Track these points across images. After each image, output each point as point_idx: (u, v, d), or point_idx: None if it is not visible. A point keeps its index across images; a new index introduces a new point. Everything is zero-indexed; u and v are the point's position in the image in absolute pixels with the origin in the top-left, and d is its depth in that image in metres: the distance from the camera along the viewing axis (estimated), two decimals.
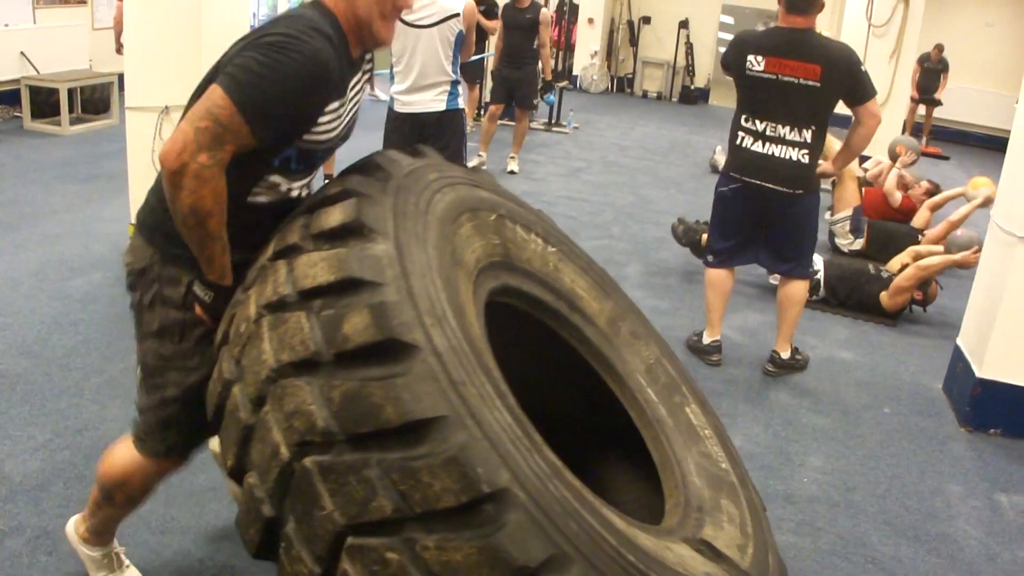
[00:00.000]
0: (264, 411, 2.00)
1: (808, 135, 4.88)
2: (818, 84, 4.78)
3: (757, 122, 4.96)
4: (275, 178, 2.43)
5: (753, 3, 16.43)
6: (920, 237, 7.59)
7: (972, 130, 16.16)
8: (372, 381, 1.87)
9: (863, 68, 4.90)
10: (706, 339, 5.41)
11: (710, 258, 5.34)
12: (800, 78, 4.79)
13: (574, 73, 16.41)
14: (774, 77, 4.84)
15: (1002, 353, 4.94)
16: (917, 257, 6.77)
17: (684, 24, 17.12)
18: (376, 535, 1.82)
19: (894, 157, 8.77)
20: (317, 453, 1.89)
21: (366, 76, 2.63)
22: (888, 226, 7.85)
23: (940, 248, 7.02)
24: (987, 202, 7.32)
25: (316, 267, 2.05)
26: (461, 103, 5.73)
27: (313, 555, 1.90)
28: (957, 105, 15.99)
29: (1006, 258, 4.90)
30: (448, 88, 5.60)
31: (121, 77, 6.90)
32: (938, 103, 14.95)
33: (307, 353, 1.95)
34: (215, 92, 2.17)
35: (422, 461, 1.79)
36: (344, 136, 2.54)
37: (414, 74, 5.54)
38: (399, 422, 1.82)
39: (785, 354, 5.36)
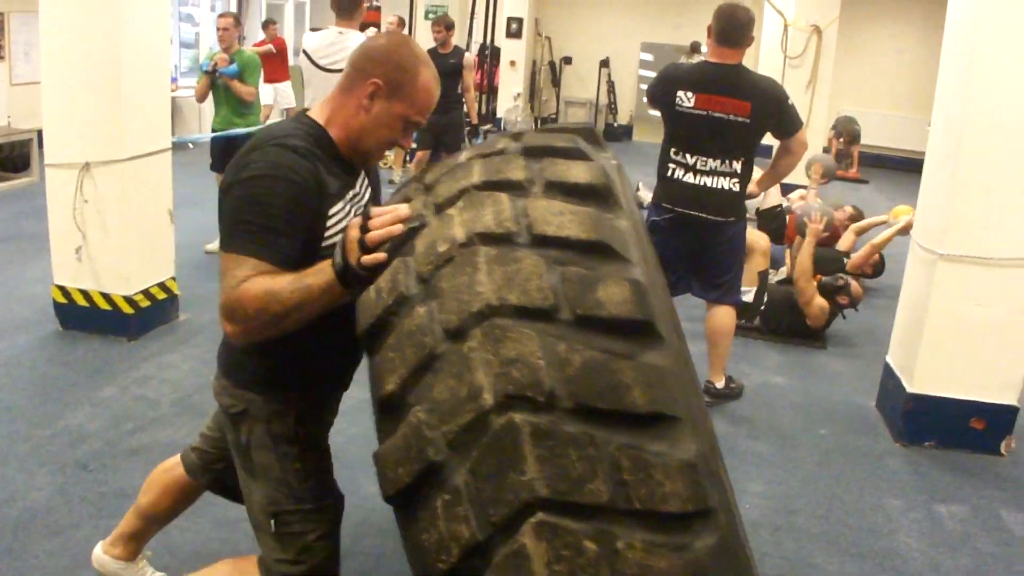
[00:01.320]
0: (467, 346, 1.80)
1: (738, 166, 4.94)
2: (748, 120, 4.84)
3: (687, 156, 4.97)
4: None
5: (672, 39, 16.66)
6: (845, 260, 7.71)
7: (888, 154, 16.48)
8: (621, 358, 1.74)
9: (790, 101, 4.99)
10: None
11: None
12: (731, 114, 4.84)
13: (498, 116, 16.49)
14: (704, 113, 4.88)
15: (930, 367, 5.02)
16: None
17: (605, 63, 17.31)
18: (578, 519, 1.68)
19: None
20: (532, 412, 1.71)
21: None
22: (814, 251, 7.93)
23: (798, 242, 7.11)
24: (907, 228, 7.46)
25: (563, 217, 1.88)
26: None
27: (486, 519, 1.71)
28: (873, 130, 16.32)
29: (928, 275, 4.99)
30: None
31: (40, 134, 6.81)
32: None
33: (544, 303, 1.78)
34: (227, 259, 2.16)
35: (659, 458, 1.68)
36: None
37: None
38: (645, 410, 1.71)
39: (720, 383, 5.38)
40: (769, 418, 5.32)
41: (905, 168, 15.29)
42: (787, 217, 8.69)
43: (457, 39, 9.95)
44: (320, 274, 2.12)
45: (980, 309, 4.92)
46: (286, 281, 2.12)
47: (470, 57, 9.78)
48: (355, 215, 2.34)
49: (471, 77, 9.78)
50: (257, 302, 2.11)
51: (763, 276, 6.83)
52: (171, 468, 3.04)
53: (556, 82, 17.55)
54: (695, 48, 14.53)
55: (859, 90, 16.94)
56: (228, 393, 2.50)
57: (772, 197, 8.41)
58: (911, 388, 5.06)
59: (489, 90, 15.45)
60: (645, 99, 5.47)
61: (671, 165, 5.04)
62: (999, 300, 4.91)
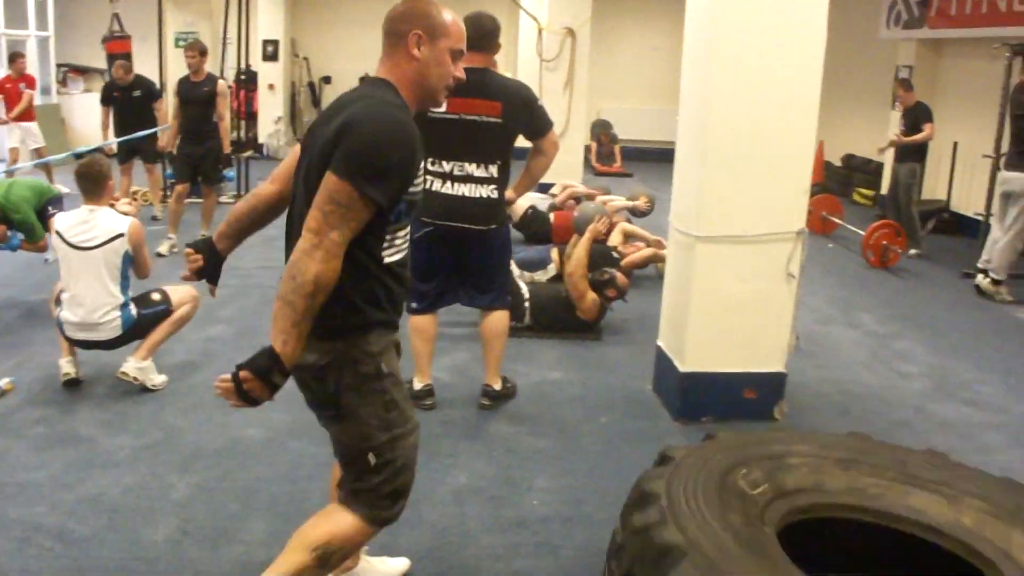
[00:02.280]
0: None
1: (495, 170, 4.96)
2: (500, 120, 4.88)
3: (444, 163, 4.97)
4: (394, 230, 2.81)
5: None
6: (615, 254, 7.87)
7: (649, 146, 16.99)
8: None
9: (539, 103, 5.07)
10: (417, 385, 5.35)
11: (413, 305, 5.28)
12: (483, 115, 4.88)
13: (260, 141, 16.19)
14: (457, 117, 4.89)
15: (699, 346, 5.18)
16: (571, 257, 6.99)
17: (364, 80, 17.19)
18: None
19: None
20: None
21: None
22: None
23: (575, 239, 7.24)
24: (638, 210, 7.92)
25: None
26: (134, 313, 5.48)
27: None
28: (633, 125, 16.82)
29: (688, 257, 5.15)
30: (118, 313, 5.39)
31: None
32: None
33: None
34: (331, 180, 2.57)
35: None
36: None
37: (83, 309, 5.31)
38: None
39: (497, 386, 5.42)
40: (550, 413, 5.38)
41: (667, 158, 15.64)
42: (550, 216, 8.86)
43: (210, 65, 9.67)
44: (283, 337, 2.59)
45: (740, 284, 5.10)
46: (310, 309, 2.59)
47: (223, 84, 9.49)
48: None
49: (225, 104, 9.50)
50: (316, 279, 2.57)
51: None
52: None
53: (317, 103, 17.36)
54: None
55: (617, 87, 17.43)
56: (313, 349, 2.74)
57: (523, 201, 8.56)
58: (683, 368, 5.21)
59: (248, 116, 15.15)
60: None
61: (428, 177, 5.00)
62: (757, 274, 5.10)
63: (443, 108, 4.81)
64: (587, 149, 15.37)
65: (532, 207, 8.97)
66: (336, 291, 2.64)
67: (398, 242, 2.87)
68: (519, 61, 13.00)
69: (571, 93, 12.07)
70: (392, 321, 2.93)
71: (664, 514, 2.77)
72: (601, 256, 7.66)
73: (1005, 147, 9.28)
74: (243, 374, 2.58)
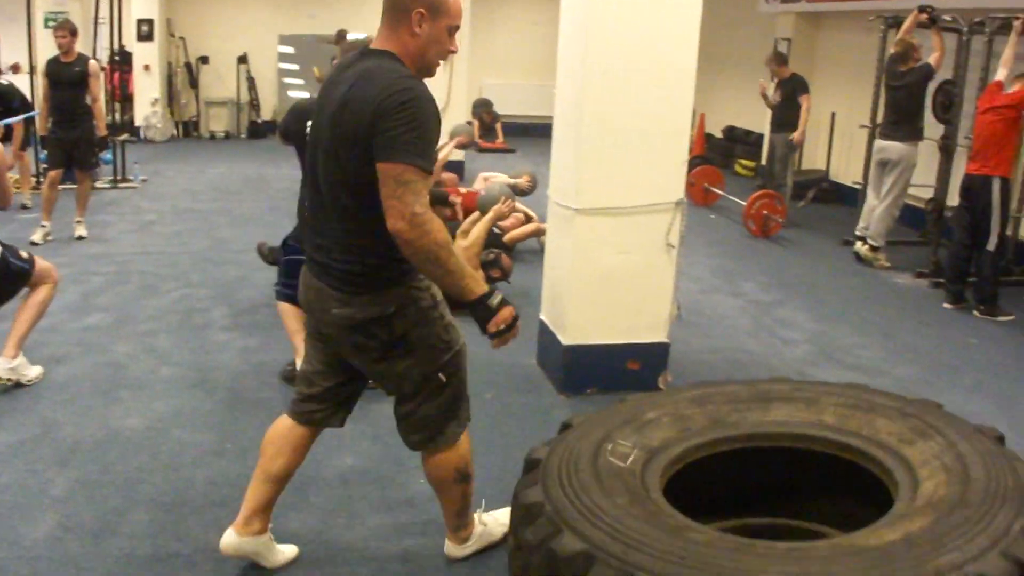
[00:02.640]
0: None
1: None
2: None
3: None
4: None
5: (310, 30, 16.45)
6: (496, 229, 7.85)
7: (531, 121, 16.98)
8: None
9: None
10: (299, 364, 5.24)
11: (278, 288, 5.27)
12: None
13: (136, 124, 15.79)
14: None
15: (581, 318, 5.20)
16: (465, 234, 7.00)
17: (243, 59, 16.89)
18: None
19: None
20: None
21: None
22: (452, 225, 8.04)
23: (476, 216, 7.29)
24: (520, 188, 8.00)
25: None
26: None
27: None
28: (515, 100, 16.84)
29: (567, 231, 5.15)
30: None
31: None
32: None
33: None
34: (390, 167, 2.87)
35: None
36: None
37: None
38: None
39: None
40: None
41: (549, 134, 15.66)
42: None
43: (82, 46, 9.37)
44: (474, 285, 3.03)
45: (620, 256, 5.12)
46: (457, 255, 2.99)
47: (95, 64, 9.18)
48: None
49: (99, 86, 9.18)
50: (436, 241, 2.89)
51: None
52: (292, 427, 3.55)
53: (194, 83, 16.98)
54: (342, 36, 14.41)
55: (498, 62, 17.39)
56: (376, 303, 3.13)
57: None
58: (566, 341, 5.22)
59: (123, 97, 14.76)
60: (278, 136, 5.34)
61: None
62: (636, 246, 5.13)
63: None
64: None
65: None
66: (381, 250, 3.05)
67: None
68: None
69: (451, 68, 12.03)
70: None
71: (557, 525, 2.68)
72: (491, 234, 7.65)
73: (880, 117, 9.50)
74: (489, 327, 3.10)
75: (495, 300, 3.08)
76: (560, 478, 2.91)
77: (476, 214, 7.39)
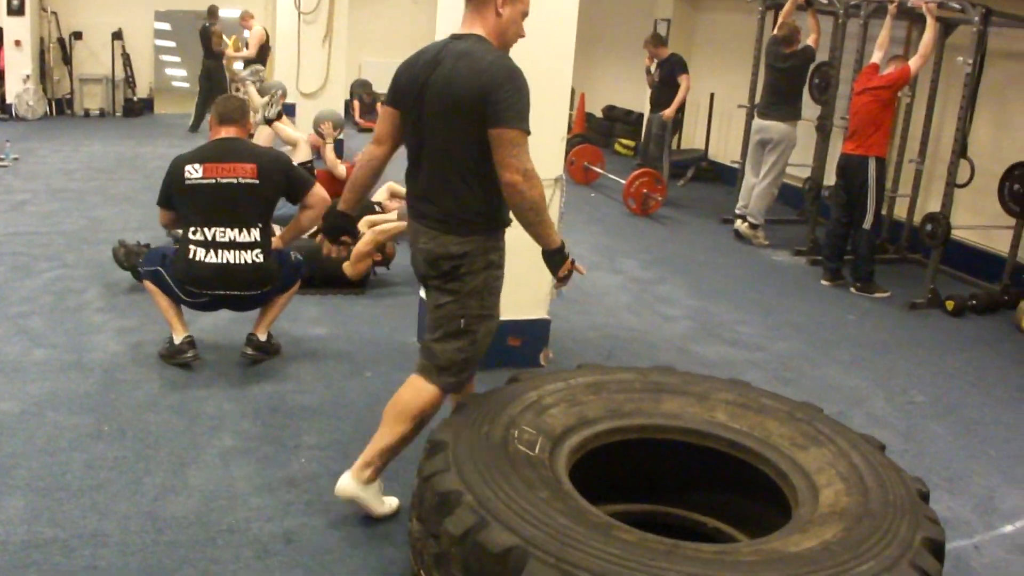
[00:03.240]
0: None
1: (256, 234, 5.03)
2: (256, 181, 5.02)
3: (206, 231, 4.98)
4: None
5: (188, 6, 16.06)
6: (377, 208, 7.82)
7: None
8: None
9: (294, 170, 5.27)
10: (177, 339, 5.21)
11: (142, 269, 5.30)
12: (239, 177, 5.00)
13: (8, 101, 15.29)
14: (213, 181, 4.98)
15: None
16: (372, 224, 6.97)
17: (118, 35, 16.44)
18: None
19: (320, 133, 9.01)
20: None
21: None
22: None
23: (394, 215, 7.28)
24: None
25: None
26: None
27: None
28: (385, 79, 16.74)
29: None
30: None
31: None
32: None
33: None
34: (504, 133, 3.35)
35: None
36: None
37: None
38: None
39: (262, 336, 5.33)
40: (315, 370, 5.31)
41: None
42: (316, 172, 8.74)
43: None
44: (556, 236, 3.60)
45: None
46: (546, 208, 3.54)
47: None
48: None
49: None
50: (540, 194, 3.44)
51: None
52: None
53: (67, 59, 16.49)
54: (213, 12, 14.21)
55: (378, 40, 17.23)
56: (455, 243, 3.55)
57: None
58: None
59: None
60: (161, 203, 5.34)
61: (191, 247, 5.03)
62: (516, 223, 5.14)
63: (200, 173, 5.01)
64: (349, 106, 15.29)
65: (311, 162, 8.83)
66: (477, 199, 3.53)
67: None
68: (277, 13, 12.72)
69: (330, 46, 11.93)
70: (509, 222, 3.68)
71: (485, 518, 2.67)
72: (366, 210, 7.60)
73: (759, 98, 9.69)
74: (561, 272, 3.61)
75: (567, 251, 3.60)
76: (476, 465, 2.91)
77: (394, 213, 7.44)
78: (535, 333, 5.40)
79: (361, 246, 6.54)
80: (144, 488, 3.98)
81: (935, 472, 4.48)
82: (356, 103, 15.69)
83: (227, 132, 5.21)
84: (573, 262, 3.64)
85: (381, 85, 15.70)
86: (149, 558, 3.50)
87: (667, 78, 10.90)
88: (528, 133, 3.41)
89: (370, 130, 14.61)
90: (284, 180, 5.15)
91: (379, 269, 6.97)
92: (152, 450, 4.31)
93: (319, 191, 5.24)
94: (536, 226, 3.50)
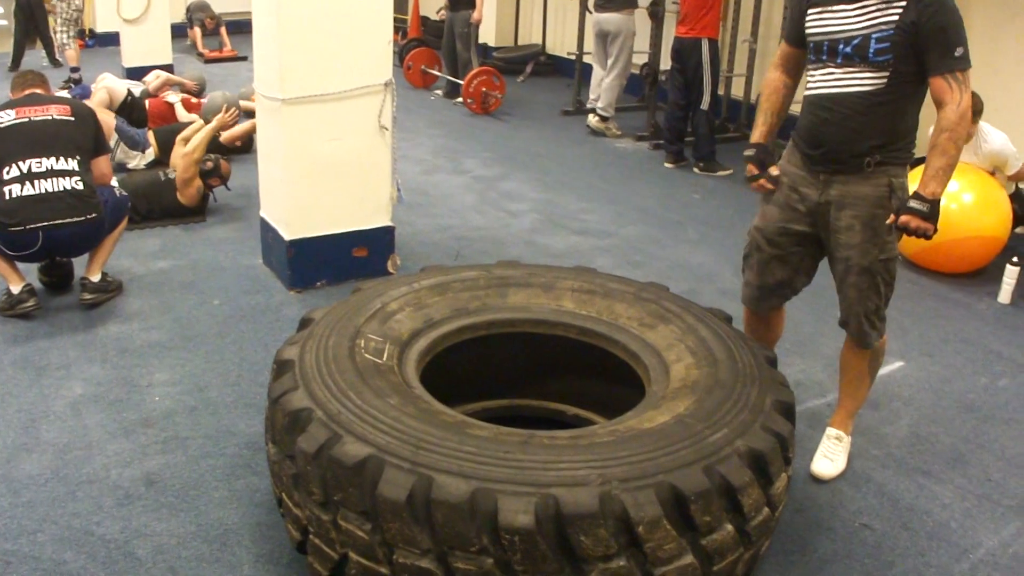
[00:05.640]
0: None
1: (75, 164, 4.92)
2: (72, 119, 5.02)
3: (21, 164, 4.82)
4: None
5: None
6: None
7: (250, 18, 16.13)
8: None
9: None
10: (15, 289, 4.95)
11: None
12: (54, 115, 5.00)
13: None
14: (27, 120, 4.94)
15: (300, 211, 5.12)
16: (186, 141, 6.79)
17: None
18: None
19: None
20: None
21: None
22: (173, 128, 7.73)
23: (200, 125, 7.11)
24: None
25: None
26: None
27: None
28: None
29: (276, 122, 5.02)
30: None
31: None
32: None
33: None
34: (950, 77, 3.18)
35: None
36: None
37: None
38: None
39: (95, 278, 5.11)
40: (161, 304, 5.14)
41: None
42: (146, 103, 8.46)
43: None
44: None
45: (333, 143, 5.05)
46: None
47: None
48: None
49: None
50: (969, 132, 3.46)
51: None
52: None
53: None
54: None
55: None
56: (879, 184, 3.38)
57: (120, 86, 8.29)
58: (289, 236, 5.12)
59: None
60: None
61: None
62: (349, 131, 5.06)
63: (12, 116, 4.94)
64: (187, 34, 14.54)
65: (129, 92, 8.50)
66: (888, 136, 3.36)
67: None
68: None
69: None
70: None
71: (337, 432, 2.63)
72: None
73: None
74: (930, 221, 3.22)
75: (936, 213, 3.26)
76: (324, 380, 2.86)
77: (199, 122, 7.24)
78: (380, 241, 5.34)
79: (183, 174, 6.39)
80: None
81: (785, 339, 4.58)
82: (196, 30, 14.58)
83: (32, 91, 5.25)
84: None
85: (221, 4, 14.95)
86: (8, 522, 3.34)
87: None
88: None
89: (216, 60, 13.92)
90: (93, 130, 5.10)
91: (218, 190, 6.75)
92: None
93: (105, 166, 5.22)
94: (952, 160, 3.32)
